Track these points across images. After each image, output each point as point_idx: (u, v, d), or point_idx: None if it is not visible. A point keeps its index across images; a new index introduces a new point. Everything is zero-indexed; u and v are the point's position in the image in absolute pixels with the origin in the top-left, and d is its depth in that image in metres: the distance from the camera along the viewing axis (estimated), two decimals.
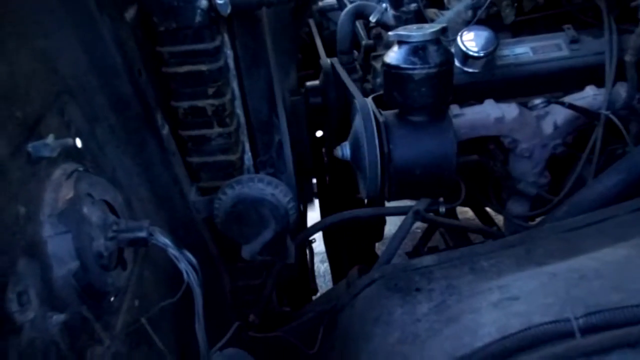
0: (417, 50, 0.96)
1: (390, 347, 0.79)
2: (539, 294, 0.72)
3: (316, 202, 1.93)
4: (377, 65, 1.38)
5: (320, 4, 1.80)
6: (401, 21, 1.38)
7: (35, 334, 0.49)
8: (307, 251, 1.56)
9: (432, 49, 0.96)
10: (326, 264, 2.50)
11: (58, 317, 0.52)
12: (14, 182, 0.51)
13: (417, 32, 0.96)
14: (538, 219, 1.36)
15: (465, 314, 0.76)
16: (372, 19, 1.41)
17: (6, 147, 0.51)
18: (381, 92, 1.12)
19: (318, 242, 1.56)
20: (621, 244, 0.80)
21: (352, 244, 1.73)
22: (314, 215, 1.91)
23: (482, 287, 0.81)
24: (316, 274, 1.81)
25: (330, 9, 1.81)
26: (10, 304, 0.47)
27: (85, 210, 0.59)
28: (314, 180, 1.78)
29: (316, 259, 1.75)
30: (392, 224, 2.14)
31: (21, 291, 0.48)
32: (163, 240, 0.64)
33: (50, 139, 0.55)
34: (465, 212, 2.40)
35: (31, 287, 0.50)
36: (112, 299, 0.65)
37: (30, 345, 0.48)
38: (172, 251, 0.65)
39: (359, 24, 1.60)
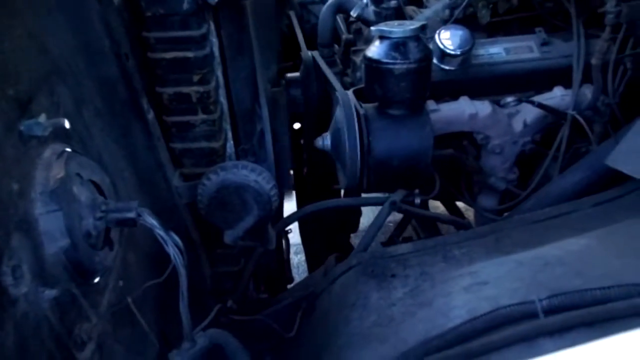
0: (398, 46, 1.00)
1: (367, 330, 0.82)
2: (506, 279, 0.77)
3: (293, 193, 1.95)
4: (357, 59, 1.41)
5: None
6: (381, 17, 1.41)
7: (28, 307, 0.50)
8: (283, 241, 1.58)
9: (412, 45, 1.00)
10: (300, 256, 2.52)
11: (50, 293, 0.53)
12: (8, 160, 0.52)
13: (398, 29, 1.00)
14: (506, 213, 1.42)
15: (438, 298, 0.81)
16: (353, 13, 1.44)
17: (0, 125, 0.51)
18: (361, 85, 1.15)
19: (292, 234, 1.58)
20: (583, 235, 0.86)
21: (328, 235, 1.76)
22: (290, 206, 1.93)
23: (454, 274, 0.85)
24: (290, 265, 1.84)
25: (311, 2, 1.83)
26: (5, 277, 0.48)
27: (75, 189, 0.60)
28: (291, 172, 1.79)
29: (290, 251, 1.78)
30: (366, 217, 2.18)
31: (15, 265, 0.49)
32: (151, 221, 0.65)
33: (42, 118, 0.56)
34: (436, 207, 2.47)
35: (24, 262, 0.51)
36: (98, 278, 0.66)
37: (24, 318, 0.49)
38: (160, 232, 0.66)
39: (339, 18, 1.63)
